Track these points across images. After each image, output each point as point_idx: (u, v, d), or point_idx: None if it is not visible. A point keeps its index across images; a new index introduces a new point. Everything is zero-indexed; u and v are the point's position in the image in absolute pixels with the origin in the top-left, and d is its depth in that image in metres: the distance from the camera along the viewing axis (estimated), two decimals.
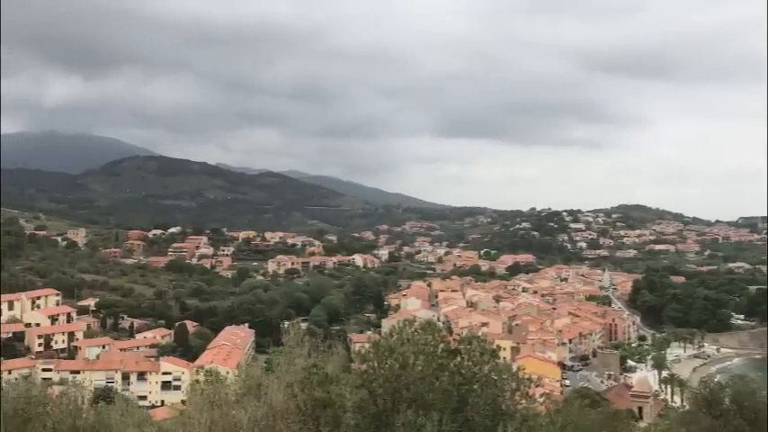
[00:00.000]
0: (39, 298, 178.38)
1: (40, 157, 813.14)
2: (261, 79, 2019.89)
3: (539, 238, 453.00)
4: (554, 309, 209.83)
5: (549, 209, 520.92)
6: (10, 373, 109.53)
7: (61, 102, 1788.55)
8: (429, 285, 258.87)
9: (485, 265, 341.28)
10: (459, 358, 16.65)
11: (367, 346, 16.84)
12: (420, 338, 16.52)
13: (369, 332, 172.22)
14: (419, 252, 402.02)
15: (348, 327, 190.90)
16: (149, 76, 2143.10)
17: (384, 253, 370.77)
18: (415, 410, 14.88)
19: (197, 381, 18.54)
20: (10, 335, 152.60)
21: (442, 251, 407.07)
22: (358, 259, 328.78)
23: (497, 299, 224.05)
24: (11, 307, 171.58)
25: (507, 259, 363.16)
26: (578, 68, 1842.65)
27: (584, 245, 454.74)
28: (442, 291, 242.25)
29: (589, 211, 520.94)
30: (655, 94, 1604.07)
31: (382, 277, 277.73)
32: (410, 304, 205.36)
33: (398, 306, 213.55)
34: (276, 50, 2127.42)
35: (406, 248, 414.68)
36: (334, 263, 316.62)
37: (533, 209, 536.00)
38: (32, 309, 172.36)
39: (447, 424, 14.64)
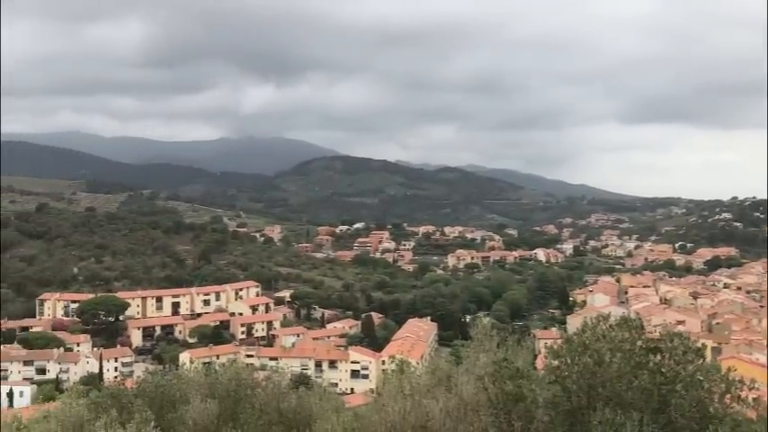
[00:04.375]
0: (241, 289, 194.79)
1: (240, 160, 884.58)
2: (438, 76, 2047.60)
3: (742, 230, 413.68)
4: (761, 306, 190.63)
5: (754, 197, 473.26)
6: (218, 357, 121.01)
7: (256, 108, 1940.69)
8: (618, 281, 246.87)
9: (680, 260, 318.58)
10: (659, 357, 15.66)
11: (559, 341, 16.38)
12: (616, 335, 15.75)
13: (553, 329, 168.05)
14: (606, 246, 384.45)
15: (531, 323, 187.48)
16: (334, 79, 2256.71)
17: (568, 247, 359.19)
18: (613, 409, 14.23)
19: (390, 370, 19.14)
20: (218, 323, 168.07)
21: (631, 245, 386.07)
22: (540, 254, 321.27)
23: (695, 295, 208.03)
24: (217, 298, 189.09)
25: (705, 253, 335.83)
26: None
27: None
28: (632, 287, 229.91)
29: None
30: None
31: (566, 272, 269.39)
32: (597, 300, 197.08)
33: (584, 302, 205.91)
34: (454, 46, 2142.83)
35: (591, 242, 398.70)
36: (515, 257, 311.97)
37: (735, 198, 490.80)
38: (236, 299, 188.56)
39: (649, 425, 13.83)
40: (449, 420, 16.12)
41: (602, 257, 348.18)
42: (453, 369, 18.88)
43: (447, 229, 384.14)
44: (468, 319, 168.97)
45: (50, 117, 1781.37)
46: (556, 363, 15.81)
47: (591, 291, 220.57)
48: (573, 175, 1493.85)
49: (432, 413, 16.31)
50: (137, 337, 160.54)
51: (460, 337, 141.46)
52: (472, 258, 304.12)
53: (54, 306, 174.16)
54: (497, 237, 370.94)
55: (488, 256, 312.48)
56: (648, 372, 15.15)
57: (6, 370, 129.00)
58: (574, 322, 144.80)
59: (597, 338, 15.71)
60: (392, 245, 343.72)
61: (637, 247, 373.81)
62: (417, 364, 20.40)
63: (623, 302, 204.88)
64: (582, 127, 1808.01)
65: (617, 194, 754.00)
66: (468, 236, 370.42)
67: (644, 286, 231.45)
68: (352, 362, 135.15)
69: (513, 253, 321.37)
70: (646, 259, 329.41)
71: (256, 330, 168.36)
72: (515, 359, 17.40)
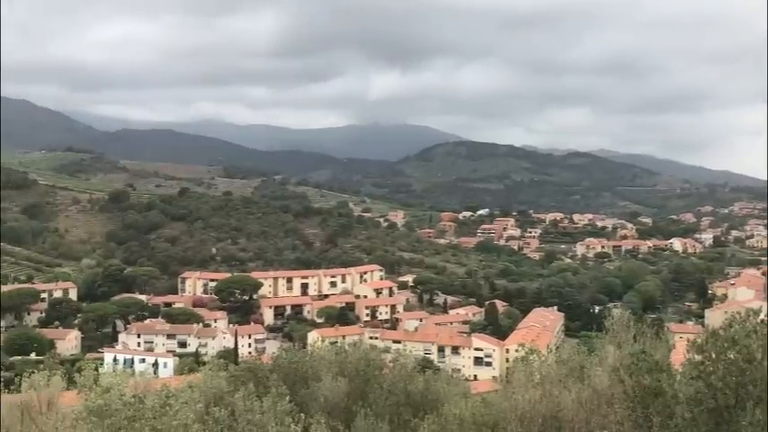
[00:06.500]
0: (366, 273, 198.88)
1: (365, 146, 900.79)
2: (568, 58, 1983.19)
3: None
4: None
5: None
6: (344, 338, 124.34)
7: (382, 95, 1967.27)
8: (764, 274, 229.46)
9: None
10: None
11: (702, 335, 15.41)
12: None
13: (689, 322, 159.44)
14: (751, 237, 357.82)
15: (665, 316, 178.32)
16: (459, 64, 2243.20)
17: (707, 237, 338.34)
18: (765, 410, 13.23)
19: (519, 358, 18.84)
20: (343, 305, 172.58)
21: None
22: (676, 244, 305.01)
23: None
24: (343, 280, 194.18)
25: None
26: None
27: None
28: None
29: None
30: None
31: (705, 264, 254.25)
32: (740, 294, 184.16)
33: (725, 296, 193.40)
34: (584, 27, 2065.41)
35: (734, 232, 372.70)
36: (649, 247, 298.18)
37: None
38: (360, 282, 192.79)
39: None
40: (581, 411, 15.65)
41: (746, 249, 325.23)
42: (586, 360, 18.30)
43: (576, 217, 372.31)
44: (597, 310, 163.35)
45: (191, 106, 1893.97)
46: (699, 358, 14.92)
47: (733, 284, 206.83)
48: (714, 160, 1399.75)
49: (563, 403, 15.89)
50: (269, 316, 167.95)
51: (593, 328, 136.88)
52: (603, 247, 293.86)
53: (194, 284, 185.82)
54: (630, 225, 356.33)
55: (620, 245, 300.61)
56: None
57: (152, 342, 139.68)
58: (713, 316, 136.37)
59: (747, 334, 14.64)
60: (517, 232, 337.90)
61: None
62: (549, 353, 19.90)
63: None
64: (724, 109, 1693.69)
65: (764, 181, 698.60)
66: (599, 224, 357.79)
67: None
68: (476, 349, 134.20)
69: (647, 242, 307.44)
70: None
71: (380, 313, 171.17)
72: (653, 352, 16.60)
